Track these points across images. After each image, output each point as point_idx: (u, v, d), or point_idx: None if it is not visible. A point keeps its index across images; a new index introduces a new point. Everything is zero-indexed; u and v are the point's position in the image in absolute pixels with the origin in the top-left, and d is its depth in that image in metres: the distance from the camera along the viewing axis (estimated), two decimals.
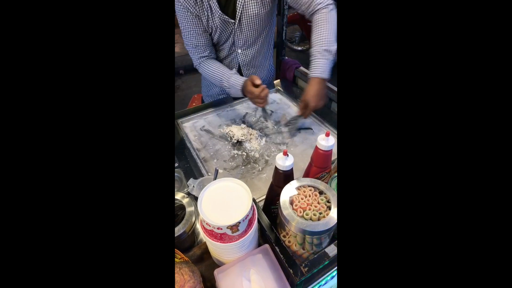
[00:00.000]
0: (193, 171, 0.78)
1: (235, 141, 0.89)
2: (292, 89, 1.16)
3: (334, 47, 0.81)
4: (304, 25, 2.90)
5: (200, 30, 0.89)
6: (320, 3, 0.83)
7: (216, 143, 0.91)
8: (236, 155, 0.86)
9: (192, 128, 0.98)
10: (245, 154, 0.86)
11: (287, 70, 1.20)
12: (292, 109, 1.05)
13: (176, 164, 0.80)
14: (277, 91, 1.15)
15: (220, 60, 1.03)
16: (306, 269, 0.46)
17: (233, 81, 0.90)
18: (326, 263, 0.47)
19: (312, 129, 0.95)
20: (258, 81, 0.83)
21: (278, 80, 1.22)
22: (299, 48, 3.39)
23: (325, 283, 0.54)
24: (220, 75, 0.93)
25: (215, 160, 0.84)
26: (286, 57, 1.24)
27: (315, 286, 0.51)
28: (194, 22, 0.87)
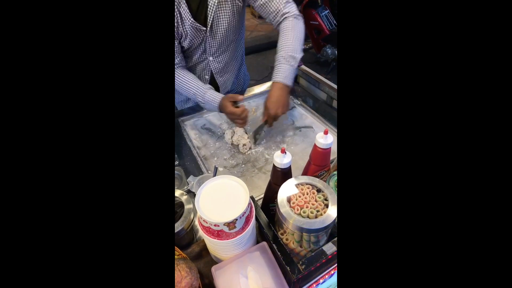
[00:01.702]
0: (194, 169, 0.79)
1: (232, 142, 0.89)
2: (294, 87, 1.16)
3: (298, 55, 0.82)
4: (307, 24, 2.89)
5: None
6: (287, 13, 0.83)
7: (216, 141, 0.91)
8: (236, 153, 0.86)
9: (193, 126, 0.98)
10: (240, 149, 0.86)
11: None
12: (296, 110, 1.05)
13: (177, 162, 0.81)
14: None
15: (190, 67, 0.99)
16: (303, 267, 0.46)
17: (209, 97, 0.86)
18: (323, 261, 0.47)
19: (312, 127, 0.95)
20: (239, 98, 0.83)
21: None
22: None
23: (323, 282, 0.54)
24: (195, 89, 0.87)
25: (215, 158, 0.85)
26: None
27: (312, 284, 0.51)
28: None
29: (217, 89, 1.03)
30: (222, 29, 0.86)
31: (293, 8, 0.84)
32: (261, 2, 0.83)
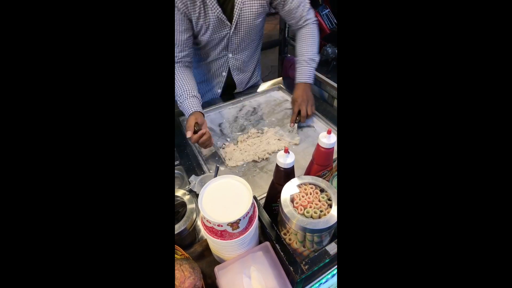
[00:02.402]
0: (195, 169, 0.78)
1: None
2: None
3: (317, 58, 0.96)
4: None
5: (182, 27, 0.84)
6: (309, 19, 0.94)
7: (218, 140, 0.91)
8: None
9: None
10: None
11: (290, 68, 1.19)
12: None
13: (178, 162, 0.80)
14: (279, 88, 1.14)
15: (208, 62, 1.01)
16: (306, 267, 0.46)
17: (185, 106, 0.84)
18: (326, 261, 0.47)
19: (314, 126, 0.95)
20: (200, 127, 0.78)
21: (281, 78, 1.21)
22: None
23: (326, 281, 0.54)
24: (181, 91, 0.85)
25: (216, 158, 0.84)
26: (289, 55, 1.24)
27: (315, 284, 0.51)
28: (177, 18, 0.82)
29: (233, 86, 1.10)
30: (246, 27, 0.90)
31: (312, 15, 0.95)
32: (288, 8, 0.91)
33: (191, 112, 0.82)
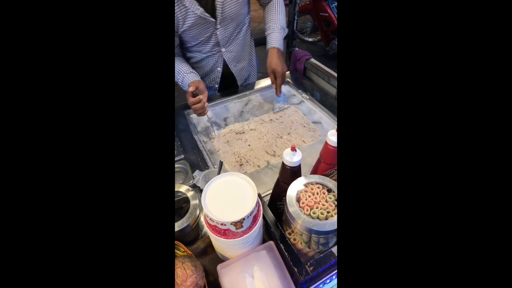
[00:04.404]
0: (199, 163, 0.77)
1: None
2: (303, 81, 1.13)
3: (286, 27, 0.95)
4: (316, 15, 2.81)
5: None
6: None
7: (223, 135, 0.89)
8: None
9: (199, 119, 0.96)
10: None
11: (298, 62, 1.16)
12: (305, 104, 1.03)
13: (182, 156, 0.79)
14: (287, 83, 1.12)
15: (201, 60, 0.99)
16: (311, 268, 0.44)
17: (186, 81, 0.88)
18: (332, 262, 0.45)
19: (321, 123, 0.92)
20: (195, 91, 0.81)
21: (288, 72, 1.19)
22: (310, 39, 3.30)
23: (330, 282, 0.53)
24: (177, 71, 0.89)
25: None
26: (297, 48, 1.21)
27: (319, 284, 0.50)
28: None
29: (234, 79, 1.07)
30: (232, 20, 0.87)
31: None
32: None
33: (188, 84, 0.85)
